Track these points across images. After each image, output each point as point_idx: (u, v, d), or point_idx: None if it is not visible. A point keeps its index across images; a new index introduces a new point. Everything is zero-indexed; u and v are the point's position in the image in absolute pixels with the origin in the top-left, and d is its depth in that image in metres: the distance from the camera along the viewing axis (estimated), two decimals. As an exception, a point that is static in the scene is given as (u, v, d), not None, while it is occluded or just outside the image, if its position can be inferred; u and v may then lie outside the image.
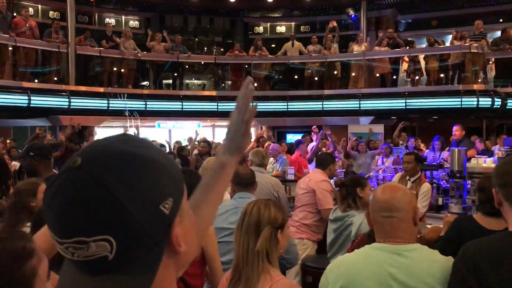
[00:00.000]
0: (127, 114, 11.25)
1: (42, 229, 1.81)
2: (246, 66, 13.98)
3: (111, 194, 0.66)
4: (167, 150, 9.09)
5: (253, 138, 11.31)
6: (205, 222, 1.19)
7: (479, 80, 12.01)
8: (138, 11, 16.81)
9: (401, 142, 9.82)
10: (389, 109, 12.48)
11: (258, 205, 2.02)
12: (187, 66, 14.41)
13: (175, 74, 13.69)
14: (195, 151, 8.56)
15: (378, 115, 12.58)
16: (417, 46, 13.64)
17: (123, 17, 16.78)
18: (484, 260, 1.54)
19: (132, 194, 0.67)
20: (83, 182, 0.66)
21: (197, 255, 2.57)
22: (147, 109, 12.50)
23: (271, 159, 7.50)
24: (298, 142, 8.84)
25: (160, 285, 0.72)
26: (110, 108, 11.97)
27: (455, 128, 7.72)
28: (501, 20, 15.22)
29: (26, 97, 10.66)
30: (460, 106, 11.49)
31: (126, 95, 12.04)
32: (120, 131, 11.95)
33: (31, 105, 10.69)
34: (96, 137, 10.12)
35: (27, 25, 11.04)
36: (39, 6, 15.12)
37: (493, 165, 5.67)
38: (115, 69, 12.65)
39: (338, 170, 6.51)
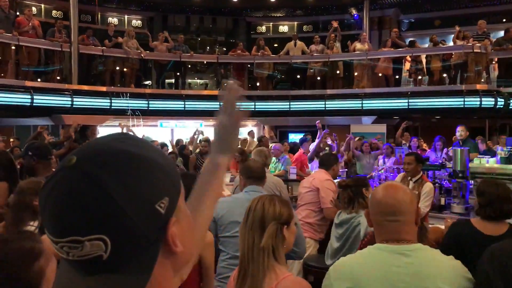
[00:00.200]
0: (129, 113, 11.27)
1: None
2: (249, 65, 13.99)
3: (106, 193, 0.65)
4: (169, 149, 9.08)
5: (255, 138, 11.33)
6: (204, 222, 1.19)
7: (482, 80, 11.98)
8: (140, 11, 16.83)
9: (404, 142, 9.80)
10: (392, 109, 12.46)
11: (263, 201, 1.99)
12: (189, 66, 14.42)
13: (178, 74, 13.70)
14: (196, 150, 8.56)
15: (381, 115, 12.57)
16: (419, 46, 13.60)
17: (126, 16, 16.80)
18: (510, 260, 1.57)
19: (127, 193, 0.66)
20: (78, 180, 0.66)
21: (195, 262, 2.57)
22: (149, 108, 12.51)
23: (274, 158, 7.50)
24: (303, 140, 8.86)
25: (157, 284, 0.71)
26: (112, 107, 11.99)
27: (459, 128, 7.70)
28: (504, 20, 15.17)
29: (29, 96, 10.69)
30: (463, 106, 11.47)
31: (128, 94, 12.06)
32: (123, 130, 11.96)
33: (34, 104, 10.71)
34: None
35: (30, 24, 11.07)
36: (42, 5, 15.15)
37: (495, 165, 5.67)
38: (117, 68, 12.67)
39: (340, 170, 6.51)
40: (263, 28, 17.87)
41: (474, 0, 14.95)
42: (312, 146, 7.95)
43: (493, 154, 7.56)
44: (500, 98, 11.37)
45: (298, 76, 14.25)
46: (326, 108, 12.85)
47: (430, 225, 4.26)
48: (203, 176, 1.23)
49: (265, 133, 13.52)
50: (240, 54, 13.72)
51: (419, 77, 12.71)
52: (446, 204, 5.56)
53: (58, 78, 12.06)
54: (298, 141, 10.75)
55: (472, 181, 5.35)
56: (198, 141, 9.16)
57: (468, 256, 2.28)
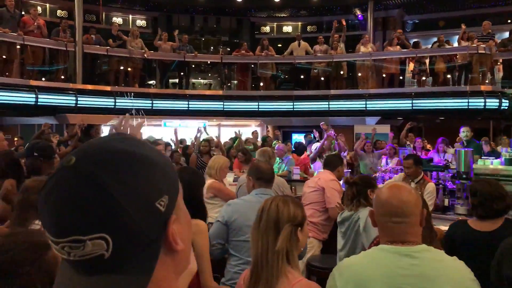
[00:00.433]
0: (133, 113, 11.29)
1: None
2: (252, 65, 13.99)
3: (106, 191, 0.65)
4: (173, 146, 9.11)
5: (259, 138, 11.34)
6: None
7: (487, 81, 11.95)
8: (145, 11, 16.87)
9: (408, 142, 9.78)
10: (396, 110, 12.44)
11: (277, 202, 1.93)
12: (193, 66, 14.43)
13: (182, 74, 13.73)
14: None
15: (385, 116, 12.55)
16: (423, 47, 13.57)
17: (130, 16, 16.84)
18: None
19: (127, 191, 0.66)
20: (78, 180, 0.66)
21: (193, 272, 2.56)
22: (153, 108, 12.54)
23: (277, 159, 7.50)
24: (310, 141, 8.89)
25: (158, 284, 0.71)
26: (116, 107, 12.02)
27: (463, 128, 7.68)
28: (509, 21, 15.12)
29: (34, 95, 10.73)
30: (467, 107, 11.44)
31: (132, 94, 12.09)
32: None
33: (38, 103, 10.76)
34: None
35: (36, 23, 11.11)
36: (47, 5, 15.21)
37: (500, 167, 5.66)
38: (122, 68, 12.70)
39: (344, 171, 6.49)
40: (267, 28, 17.88)
41: (479, 0, 14.89)
42: (315, 147, 7.96)
43: (497, 155, 7.54)
44: (505, 99, 11.33)
45: (302, 77, 14.24)
46: (330, 109, 12.84)
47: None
48: None
49: (268, 133, 13.53)
50: (244, 54, 13.73)
51: (423, 78, 12.68)
52: (450, 205, 5.54)
53: (63, 77, 12.10)
54: (301, 141, 10.77)
55: (476, 183, 5.33)
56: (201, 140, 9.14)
57: (463, 254, 2.30)
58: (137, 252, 0.67)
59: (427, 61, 12.64)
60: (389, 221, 1.72)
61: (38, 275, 1.25)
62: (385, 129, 12.14)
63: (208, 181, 4.82)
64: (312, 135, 10.50)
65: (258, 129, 13.39)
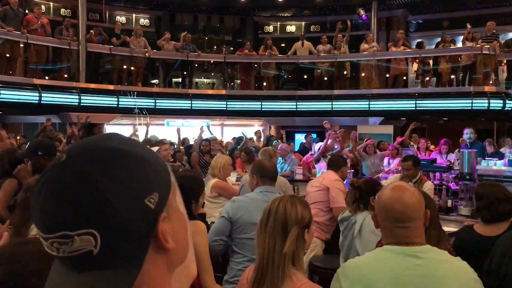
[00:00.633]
0: (136, 112, 11.31)
1: None
2: (256, 65, 13.99)
3: (94, 187, 0.66)
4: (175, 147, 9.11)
5: (262, 138, 11.34)
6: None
7: (491, 82, 11.92)
8: (148, 9, 16.88)
9: (412, 143, 9.76)
10: (399, 110, 12.42)
11: (284, 203, 1.89)
12: (196, 65, 14.43)
13: (185, 73, 13.73)
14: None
15: (388, 116, 12.53)
16: (427, 47, 13.54)
17: (134, 15, 16.85)
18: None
19: (116, 187, 0.67)
20: (67, 177, 0.67)
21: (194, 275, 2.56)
22: (156, 107, 12.54)
23: (280, 158, 7.49)
24: (313, 141, 8.91)
25: (149, 282, 0.71)
26: (120, 105, 12.04)
27: (467, 130, 7.65)
28: (513, 22, 15.06)
29: (37, 94, 10.76)
30: (470, 108, 11.41)
31: (136, 93, 12.10)
32: (129, 128, 12.02)
33: (41, 102, 10.78)
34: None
35: (39, 22, 11.13)
36: (51, 4, 15.24)
37: (503, 168, 5.64)
38: (125, 67, 12.71)
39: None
40: (270, 28, 17.86)
41: (483, 1, 14.85)
42: (318, 147, 7.94)
43: (501, 156, 7.52)
44: (509, 100, 11.30)
45: (305, 76, 14.24)
46: (333, 109, 12.83)
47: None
48: None
49: (271, 133, 13.53)
50: (247, 54, 13.72)
51: (427, 78, 12.66)
52: (453, 206, 5.53)
53: (66, 76, 12.12)
54: (303, 141, 10.76)
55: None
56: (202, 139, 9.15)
57: (470, 259, 2.29)
58: (126, 248, 0.67)
59: (431, 61, 12.62)
60: (393, 226, 1.71)
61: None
62: (388, 129, 12.15)
63: (212, 181, 4.82)
64: (313, 135, 10.50)
65: (261, 129, 13.38)
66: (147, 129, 9.06)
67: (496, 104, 11.28)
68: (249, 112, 13.39)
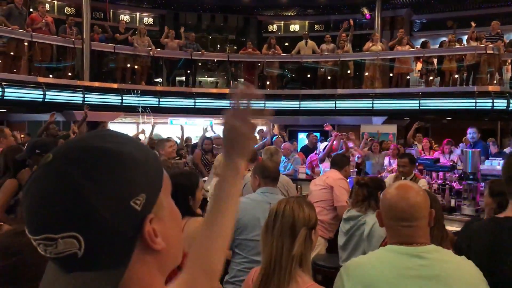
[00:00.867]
0: (140, 110, 11.33)
1: None
2: (259, 64, 13.99)
3: (77, 191, 0.65)
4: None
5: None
6: (226, 231, 1.08)
7: (495, 82, 11.88)
8: (152, 8, 16.89)
9: (416, 142, 9.75)
10: (403, 110, 12.40)
11: (291, 205, 1.88)
12: (200, 64, 14.45)
13: (188, 72, 13.74)
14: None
15: (391, 115, 12.50)
16: (431, 46, 13.50)
17: (138, 14, 16.87)
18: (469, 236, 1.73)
19: (100, 190, 0.66)
20: (51, 178, 0.67)
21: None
22: (160, 105, 12.56)
23: (283, 157, 7.50)
24: (317, 141, 8.92)
25: (138, 282, 0.72)
26: (123, 104, 12.06)
27: (470, 130, 7.64)
28: (518, 21, 15.00)
29: (41, 92, 10.79)
30: (474, 107, 11.38)
31: (139, 91, 12.12)
32: (133, 127, 12.05)
33: (46, 100, 10.81)
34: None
35: (44, 20, 11.16)
36: (55, 2, 15.28)
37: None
38: (128, 65, 12.73)
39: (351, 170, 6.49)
40: (274, 27, 17.85)
41: (487, 0, 14.78)
42: (323, 147, 7.95)
43: (504, 156, 7.49)
44: (513, 100, 11.26)
45: (309, 76, 14.22)
46: (337, 108, 12.81)
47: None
48: (218, 186, 1.12)
49: (275, 132, 13.51)
50: (251, 53, 13.72)
51: (431, 78, 12.63)
52: (456, 206, 5.52)
53: (70, 74, 12.16)
54: (306, 141, 10.75)
55: (483, 183, 5.30)
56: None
57: None
58: (110, 250, 0.67)
59: (435, 60, 12.60)
60: (398, 225, 1.70)
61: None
62: (392, 129, 12.13)
63: (215, 179, 4.83)
64: (316, 134, 10.48)
65: (265, 128, 13.36)
66: (153, 129, 9.06)
67: (500, 104, 11.25)
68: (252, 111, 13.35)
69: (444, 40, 13.06)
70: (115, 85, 12.32)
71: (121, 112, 12.18)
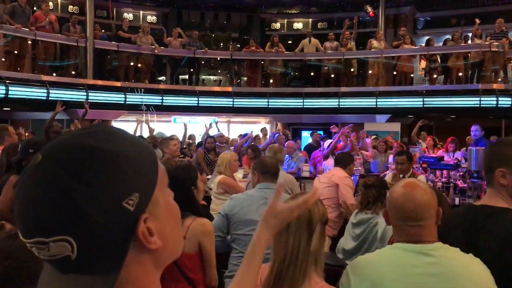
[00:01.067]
0: (143, 108, 11.34)
1: None
2: (262, 62, 13.98)
3: (66, 193, 0.64)
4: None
5: (268, 135, 11.31)
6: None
7: (499, 79, 11.84)
8: (155, 6, 16.91)
9: (420, 140, 9.72)
10: (406, 108, 12.37)
11: None
12: (203, 62, 14.45)
13: (192, 70, 13.75)
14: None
15: (395, 114, 12.48)
16: (435, 44, 13.46)
17: (141, 12, 16.89)
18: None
19: (90, 192, 0.64)
20: (40, 180, 0.65)
21: (195, 250, 2.62)
22: (163, 104, 12.57)
23: (287, 155, 7.48)
24: (322, 138, 8.91)
25: (135, 282, 0.71)
26: (127, 102, 12.08)
27: (473, 128, 7.60)
28: (523, 19, 14.92)
29: (45, 90, 10.82)
30: (478, 105, 11.34)
31: (143, 89, 12.14)
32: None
33: (49, 98, 10.84)
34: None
35: (47, 19, 11.18)
36: (59, 1, 15.31)
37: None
38: (132, 63, 12.75)
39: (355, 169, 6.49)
40: (277, 25, 17.83)
41: (492, -2, 14.76)
42: (327, 144, 7.93)
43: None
44: (517, 98, 11.22)
45: (312, 74, 14.20)
46: (340, 106, 12.79)
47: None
48: (249, 248, 1.30)
49: (278, 130, 13.51)
50: (254, 51, 13.71)
51: (434, 76, 12.59)
52: (461, 204, 5.50)
53: (73, 72, 12.19)
54: (310, 139, 10.73)
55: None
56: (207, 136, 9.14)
57: None
58: (104, 253, 0.66)
59: (439, 58, 12.56)
60: (404, 225, 1.68)
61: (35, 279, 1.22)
62: (396, 127, 12.10)
63: (219, 177, 4.84)
64: (319, 132, 10.46)
65: (268, 126, 13.37)
66: (148, 126, 8.97)
67: (505, 101, 11.20)
68: (256, 109, 13.38)
69: (448, 38, 13.01)
70: (118, 83, 12.33)
71: (124, 110, 12.20)
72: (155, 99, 12.40)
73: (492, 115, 12.01)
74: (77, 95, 11.43)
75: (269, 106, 13.23)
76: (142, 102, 11.75)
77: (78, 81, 11.75)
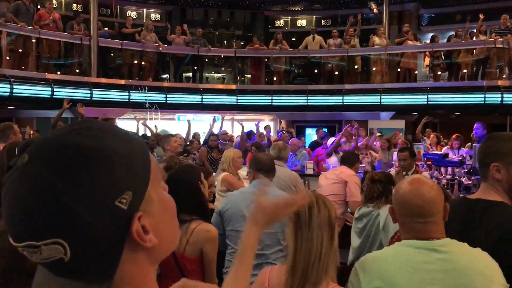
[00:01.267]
0: (147, 106, 11.35)
1: None
2: (266, 59, 13.95)
3: (54, 195, 0.62)
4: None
5: (272, 132, 11.31)
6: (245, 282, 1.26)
7: (504, 76, 11.77)
8: (159, 4, 16.91)
9: (424, 137, 9.69)
10: (411, 105, 12.33)
11: (322, 198, 1.88)
12: (207, 60, 14.44)
13: (195, 67, 13.75)
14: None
15: (399, 111, 12.44)
16: (440, 41, 13.40)
17: (145, 10, 16.89)
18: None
19: (80, 193, 0.62)
20: (27, 183, 0.63)
21: (197, 255, 2.55)
22: (167, 101, 12.58)
23: (291, 153, 7.48)
24: (324, 136, 8.90)
25: (131, 281, 0.69)
26: (131, 100, 12.10)
27: (476, 126, 7.57)
28: (528, 15, 14.82)
29: (49, 89, 10.85)
30: (483, 102, 11.28)
31: (146, 87, 12.15)
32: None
33: (54, 96, 10.86)
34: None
35: (51, 17, 11.20)
36: (63, -1, 15.35)
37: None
38: (136, 61, 12.76)
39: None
40: (281, 22, 17.79)
41: (496, -6, 14.65)
42: (331, 141, 7.92)
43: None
44: (523, 94, 11.15)
45: (316, 71, 14.16)
46: (344, 103, 12.76)
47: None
48: (240, 246, 1.30)
49: (282, 127, 13.50)
50: (257, 48, 13.69)
51: (439, 73, 12.54)
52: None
53: (78, 71, 12.21)
54: (314, 137, 10.73)
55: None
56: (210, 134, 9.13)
57: None
58: (98, 254, 0.65)
59: (442, 54, 12.51)
60: (412, 221, 1.67)
61: (25, 280, 1.17)
62: (400, 124, 12.06)
63: (222, 174, 4.84)
64: (324, 129, 10.46)
65: (271, 124, 13.37)
66: (147, 126, 8.92)
67: (510, 98, 11.14)
68: (260, 106, 13.37)
69: (452, 35, 12.95)
70: (122, 81, 12.35)
71: (128, 108, 12.21)
72: (159, 97, 12.42)
73: (497, 112, 11.96)
74: (81, 93, 11.46)
75: (273, 103, 13.22)
76: (146, 100, 11.76)
77: (82, 79, 11.77)
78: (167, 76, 13.99)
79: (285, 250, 3.07)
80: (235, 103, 13.22)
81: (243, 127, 8.85)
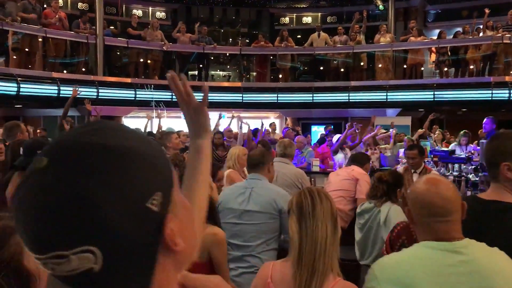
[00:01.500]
0: (153, 104, 11.38)
1: None
2: (272, 57, 13.94)
3: (84, 198, 0.57)
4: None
5: (277, 130, 11.30)
6: (199, 210, 1.18)
7: (511, 72, 11.69)
8: (164, 2, 16.93)
9: (431, 134, 9.64)
10: (417, 101, 12.27)
11: (323, 191, 1.90)
12: (212, 57, 14.45)
13: (201, 65, 13.76)
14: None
15: (406, 107, 12.38)
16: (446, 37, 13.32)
17: (150, 8, 16.92)
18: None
19: (110, 195, 0.58)
20: (51, 186, 0.58)
21: (204, 259, 2.49)
22: (173, 100, 12.57)
23: (297, 150, 7.47)
24: (328, 134, 8.88)
25: None
26: (137, 98, 12.14)
27: (486, 121, 7.52)
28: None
29: (56, 87, 10.91)
30: (490, 98, 11.21)
31: (152, 86, 12.18)
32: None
33: (60, 95, 10.92)
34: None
35: (57, 16, 11.25)
36: (69, -2, 15.41)
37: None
38: (141, 60, 12.79)
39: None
40: (286, 19, 17.76)
41: (504, -11, 14.52)
42: (336, 138, 7.91)
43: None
44: (530, 90, 11.07)
45: (322, 68, 14.14)
46: (350, 100, 12.72)
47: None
48: (189, 162, 1.26)
49: (287, 125, 13.48)
50: (263, 46, 13.68)
51: (445, 69, 12.48)
52: (472, 198, 5.46)
53: (84, 69, 12.26)
54: (322, 134, 10.71)
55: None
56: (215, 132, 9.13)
57: None
58: (132, 260, 0.61)
59: (448, 51, 12.44)
60: (433, 221, 1.62)
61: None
62: (406, 120, 12.01)
63: (227, 171, 4.87)
64: (332, 126, 10.45)
65: (277, 121, 13.36)
66: (149, 122, 8.99)
67: (517, 94, 11.07)
68: (265, 104, 13.36)
69: (459, 31, 12.88)
70: (128, 80, 12.39)
71: (134, 106, 12.26)
72: (165, 95, 12.43)
73: (504, 108, 11.87)
74: (87, 92, 11.50)
75: (278, 101, 13.20)
76: (152, 98, 11.79)
77: (88, 77, 11.82)
78: (173, 74, 13.99)
79: (270, 244, 3.11)
80: (241, 101, 13.22)
81: (249, 126, 8.85)
